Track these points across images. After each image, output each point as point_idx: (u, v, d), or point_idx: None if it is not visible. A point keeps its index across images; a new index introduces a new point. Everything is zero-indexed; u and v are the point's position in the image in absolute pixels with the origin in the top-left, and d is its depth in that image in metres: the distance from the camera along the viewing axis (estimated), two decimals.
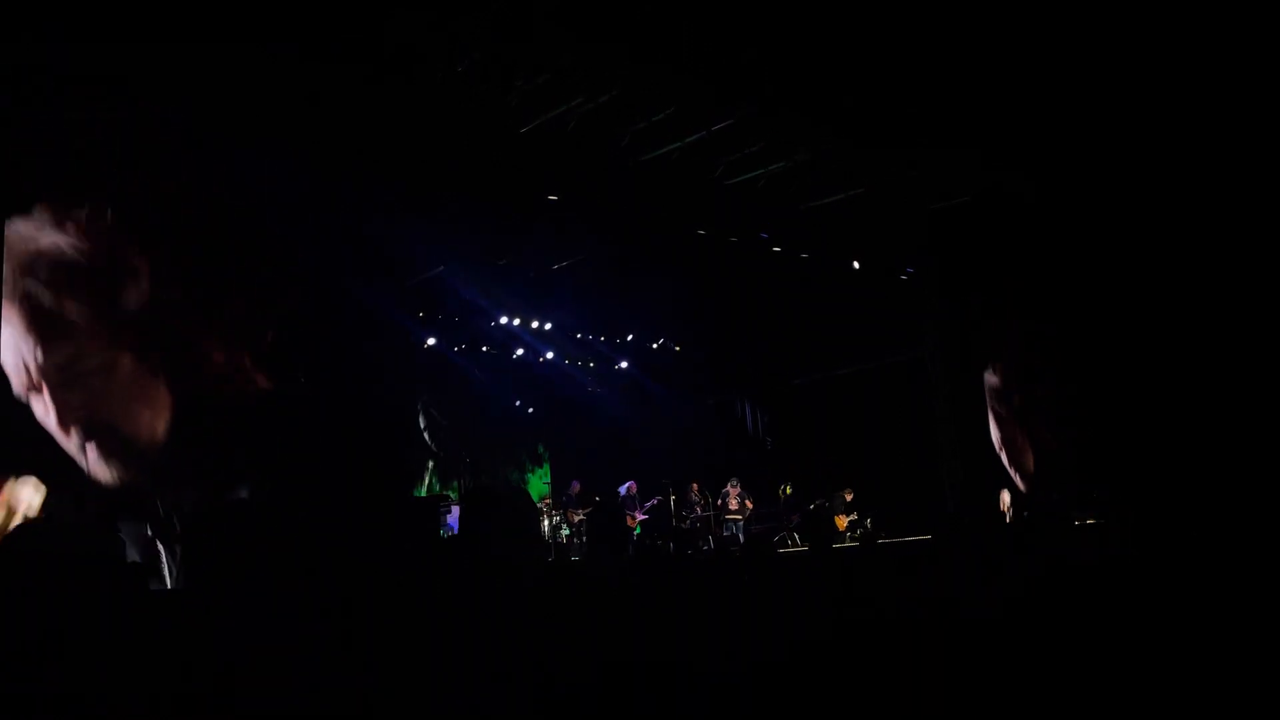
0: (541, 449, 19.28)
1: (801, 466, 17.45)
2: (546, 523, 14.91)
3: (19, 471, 7.40)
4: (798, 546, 14.61)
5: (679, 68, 9.59)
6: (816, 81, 9.79)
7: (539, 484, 18.37)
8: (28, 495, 7.19)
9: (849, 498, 15.50)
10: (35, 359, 7.57)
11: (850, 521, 15.32)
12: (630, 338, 17.79)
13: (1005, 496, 14.76)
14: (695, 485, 16.14)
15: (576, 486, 15.96)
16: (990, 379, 15.84)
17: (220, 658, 1.91)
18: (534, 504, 2.48)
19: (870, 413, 16.64)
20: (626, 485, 15.60)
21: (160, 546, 7.85)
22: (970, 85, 9.88)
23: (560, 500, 15.55)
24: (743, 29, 8.73)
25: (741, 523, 15.40)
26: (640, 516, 15.33)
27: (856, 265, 14.39)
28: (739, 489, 15.69)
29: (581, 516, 14.83)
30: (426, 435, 17.18)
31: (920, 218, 13.50)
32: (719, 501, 15.60)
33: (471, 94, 9.81)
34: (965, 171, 12.24)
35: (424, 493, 16.03)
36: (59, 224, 7.84)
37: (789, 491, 16.37)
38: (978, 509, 14.30)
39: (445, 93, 9.72)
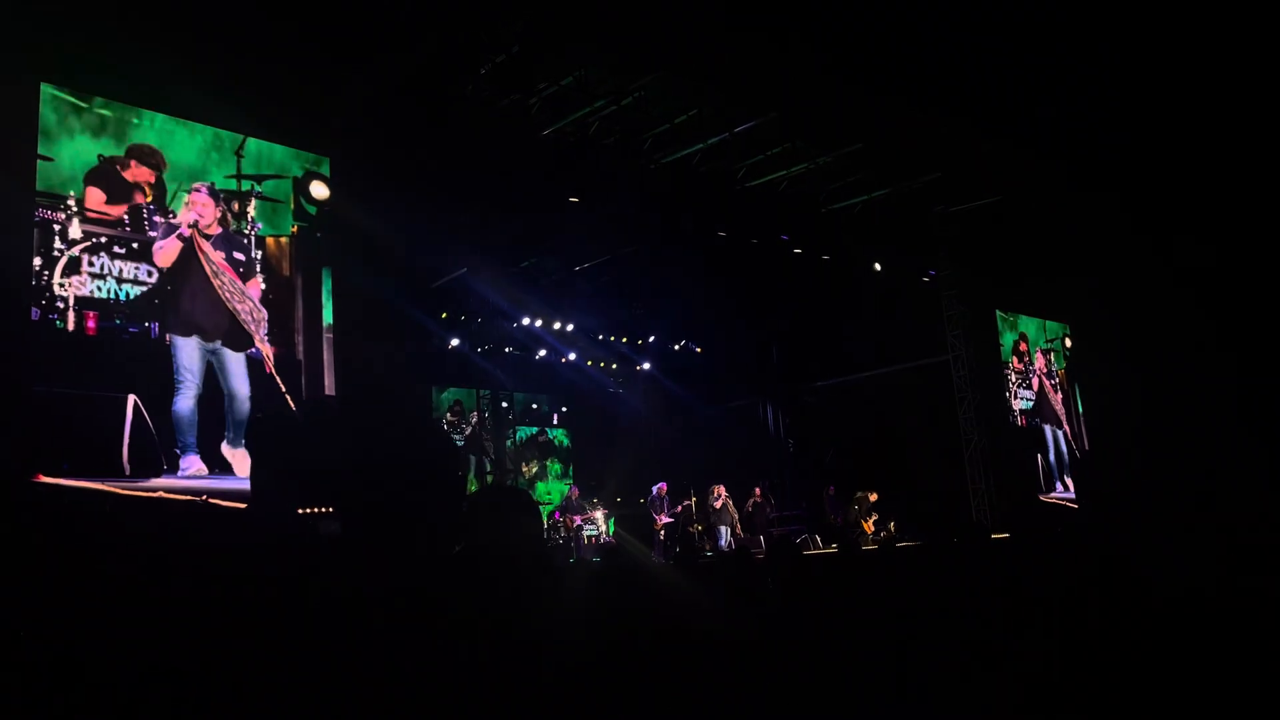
0: (564, 447, 19.36)
1: (824, 469, 17.41)
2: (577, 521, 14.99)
3: None
4: (820, 549, 14.56)
5: (701, 71, 9.62)
6: (837, 84, 9.77)
7: (561, 485, 18.45)
8: None
9: (873, 499, 15.42)
10: None
11: (875, 522, 15.25)
12: (652, 339, 17.81)
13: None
14: (719, 488, 16.10)
15: (575, 491, 16.06)
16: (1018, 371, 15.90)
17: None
18: (535, 504, 2.51)
19: (893, 416, 16.56)
20: (658, 486, 15.59)
21: None
22: (996, 87, 9.83)
23: (562, 504, 15.61)
24: (764, 32, 8.73)
25: (727, 529, 15.28)
26: (664, 519, 15.32)
27: (878, 267, 14.34)
28: (725, 492, 15.62)
29: (579, 522, 14.87)
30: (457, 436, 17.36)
31: (943, 220, 13.45)
32: (716, 505, 15.51)
33: (495, 97, 9.87)
34: (988, 173, 12.17)
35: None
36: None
37: (833, 492, 16.35)
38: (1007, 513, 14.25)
39: (469, 96, 9.80)
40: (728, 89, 10.08)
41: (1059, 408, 17.25)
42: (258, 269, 9.59)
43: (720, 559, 11.96)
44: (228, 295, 9.24)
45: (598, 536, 15.20)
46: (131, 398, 8.26)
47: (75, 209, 8.37)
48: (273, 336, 9.60)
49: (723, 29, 8.63)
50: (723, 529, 15.00)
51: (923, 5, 8.38)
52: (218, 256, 9.26)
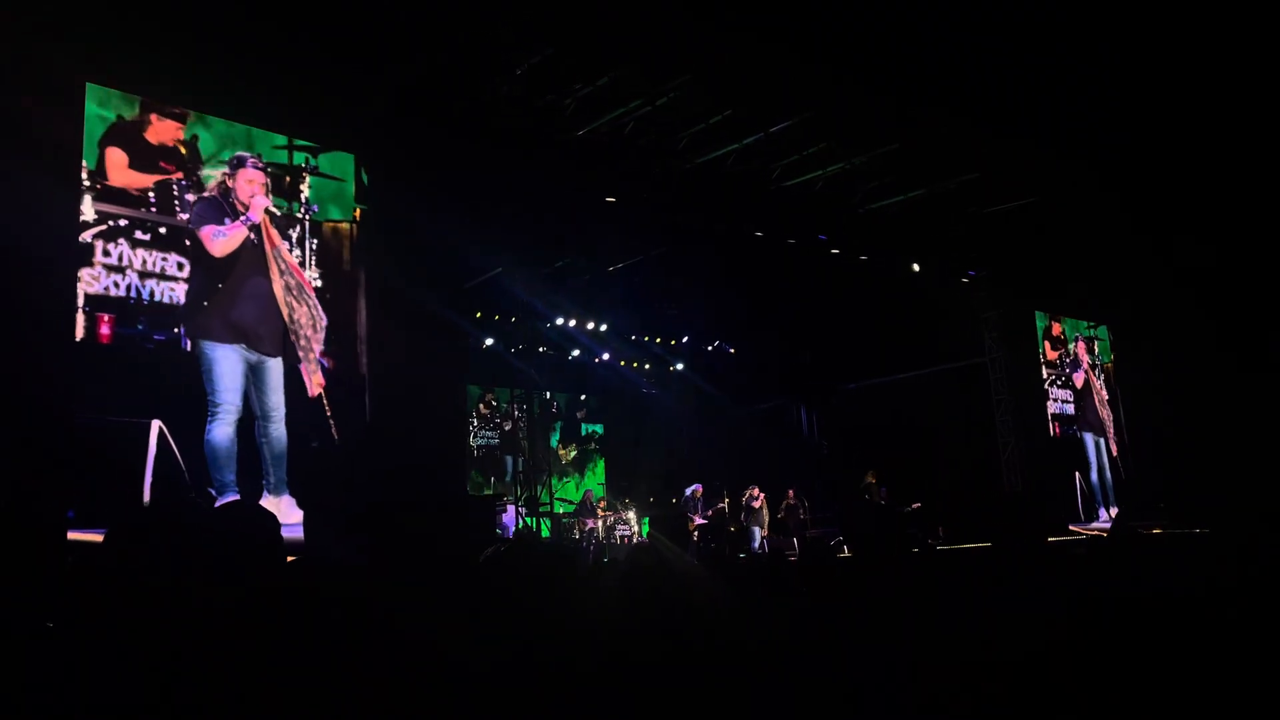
0: (596, 448, 19.41)
1: (857, 471, 17.28)
2: (602, 523, 15.03)
3: None
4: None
5: (736, 72, 9.58)
6: (874, 84, 9.70)
7: (594, 485, 18.50)
8: None
9: (872, 480, 15.23)
10: None
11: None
12: (685, 340, 17.79)
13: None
14: (755, 489, 16.06)
15: (590, 494, 16.20)
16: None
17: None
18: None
19: (929, 419, 16.42)
20: (693, 488, 15.60)
21: None
22: (1031, 86, 9.72)
23: (579, 508, 15.68)
24: (797, 33, 8.69)
25: (760, 530, 15.23)
26: (699, 521, 15.30)
27: (916, 268, 14.22)
28: (761, 493, 15.59)
29: (591, 525, 14.91)
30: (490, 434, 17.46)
31: (981, 220, 13.30)
32: (755, 505, 15.46)
33: (529, 98, 9.90)
34: (1026, 173, 12.02)
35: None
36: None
37: (885, 495, 16.25)
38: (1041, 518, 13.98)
39: (504, 96, 9.83)
40: (762, 89, 10.04)
41: (1104, 411, 15.62)
42: (312, 261, 7.94)
43: (754, 561, 11.90)
44: (290, 299, 7.45)
45: (630, 536, 15.21)
46: (156, 424, 6.56)
47: (88, 182, 6.66)
48: (329, 345, 7.92)
49: (756, 30, 8.60)
50: (755, 530, 14.97)
51: (950, 7, 8.32)
52: (284, 248, 7.58)
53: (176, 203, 7.19)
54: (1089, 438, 15.41)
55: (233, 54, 7.65)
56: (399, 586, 2.60)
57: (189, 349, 7.07)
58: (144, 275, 6.87)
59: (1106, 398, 15.93)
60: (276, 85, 8.07)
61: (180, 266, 7.11)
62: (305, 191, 7.99)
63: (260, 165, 7.64)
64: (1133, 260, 13.83)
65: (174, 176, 7.22)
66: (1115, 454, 15.57)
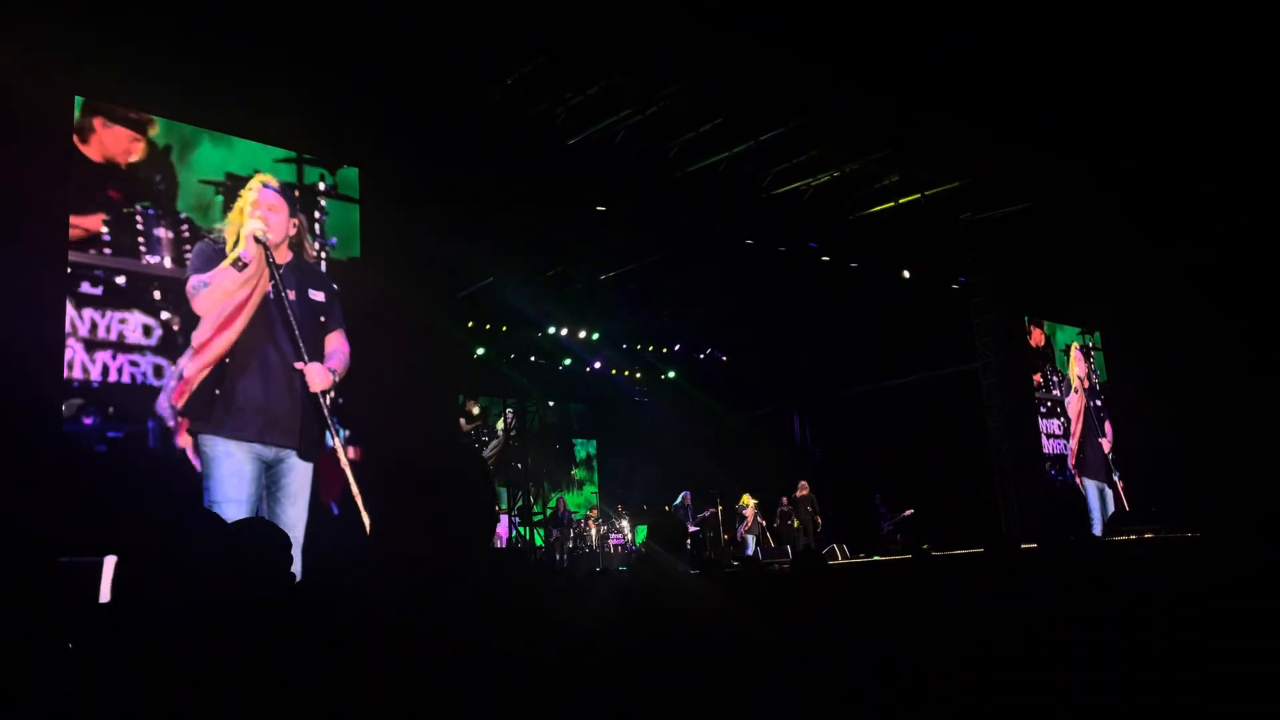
0: (589, 457, 19.37)
1: (852, 478, 17.29)
2: (595, 532, 14.98)
3: None
4: (849, 558, 14.44)
5: (727, 79, 9.60)
6: (865, 89, 9.72)
7: (588, 493, 18.47)
8: None
9: (802, 494, 15.19)
10: None
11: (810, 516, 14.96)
12: (678, 348, 17.78)
13: None
14: (746, 498, 16.07)
15: (562, 503, 16.22)
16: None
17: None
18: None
19: (922, 425, 16.43)
20: (682, 495, 15.61)
21: None
22: (1023, 90, 9.74)
23: (553, 517, 15.65)
24: (789, 39, 8.70)
25: (754, 539, 15.24)
26: (691, 528, 15.28)
27: (906, 275, 14.23)
28: (753, 501, 15.61)
29: (557, 535, 14.88)
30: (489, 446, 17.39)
31: (972, 226, 13.33)
32: (746, 514, 15.47)
33: (521, 106, 9.90)
34: (1018, 178, 12.05)
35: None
36: None
37: (879, 500, 16.29)
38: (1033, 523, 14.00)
39: (496, 105, 9.83)
40: (753, 95, 10.05)
41: (1106, 441, 14.54)
42: (341, 318, 6.14)
43: (744, 569, 11.87)
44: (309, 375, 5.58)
45: (624, 545, 15.19)
46: (110, 562, 4.41)
47: None
48: (354, 429, 6.12)
49: (747, 32, 8.61)
50: (750, 539, 14.95)
51: (944, 8, 8.34)
52: (296, 305, 5.59)
53: (142, 241, 5.16)
54: (1092, 486, 14.35)
55: (217, 64, 7.11)
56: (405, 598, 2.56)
57: (165, 449, 5.03)
58: (93, 345, 4.77)
59: (1109, 429, 14.95)
60: (262, 97, 7.46)
61: (147, 331, 5.04)
62: (320, 220, 6.28)
63: (269, 187, 5.80)
64: (1131, 261, 13.84)
65: (136, 205, 5.31)
66: (1123, 497, 14.50)
